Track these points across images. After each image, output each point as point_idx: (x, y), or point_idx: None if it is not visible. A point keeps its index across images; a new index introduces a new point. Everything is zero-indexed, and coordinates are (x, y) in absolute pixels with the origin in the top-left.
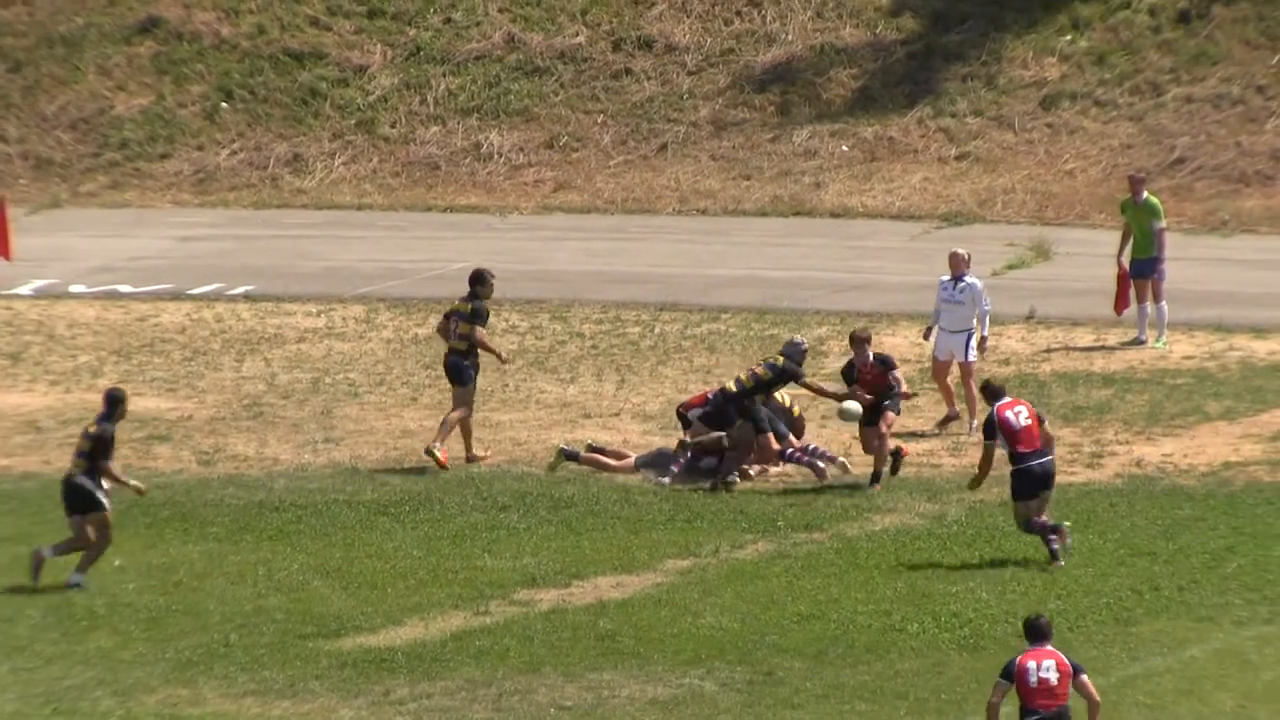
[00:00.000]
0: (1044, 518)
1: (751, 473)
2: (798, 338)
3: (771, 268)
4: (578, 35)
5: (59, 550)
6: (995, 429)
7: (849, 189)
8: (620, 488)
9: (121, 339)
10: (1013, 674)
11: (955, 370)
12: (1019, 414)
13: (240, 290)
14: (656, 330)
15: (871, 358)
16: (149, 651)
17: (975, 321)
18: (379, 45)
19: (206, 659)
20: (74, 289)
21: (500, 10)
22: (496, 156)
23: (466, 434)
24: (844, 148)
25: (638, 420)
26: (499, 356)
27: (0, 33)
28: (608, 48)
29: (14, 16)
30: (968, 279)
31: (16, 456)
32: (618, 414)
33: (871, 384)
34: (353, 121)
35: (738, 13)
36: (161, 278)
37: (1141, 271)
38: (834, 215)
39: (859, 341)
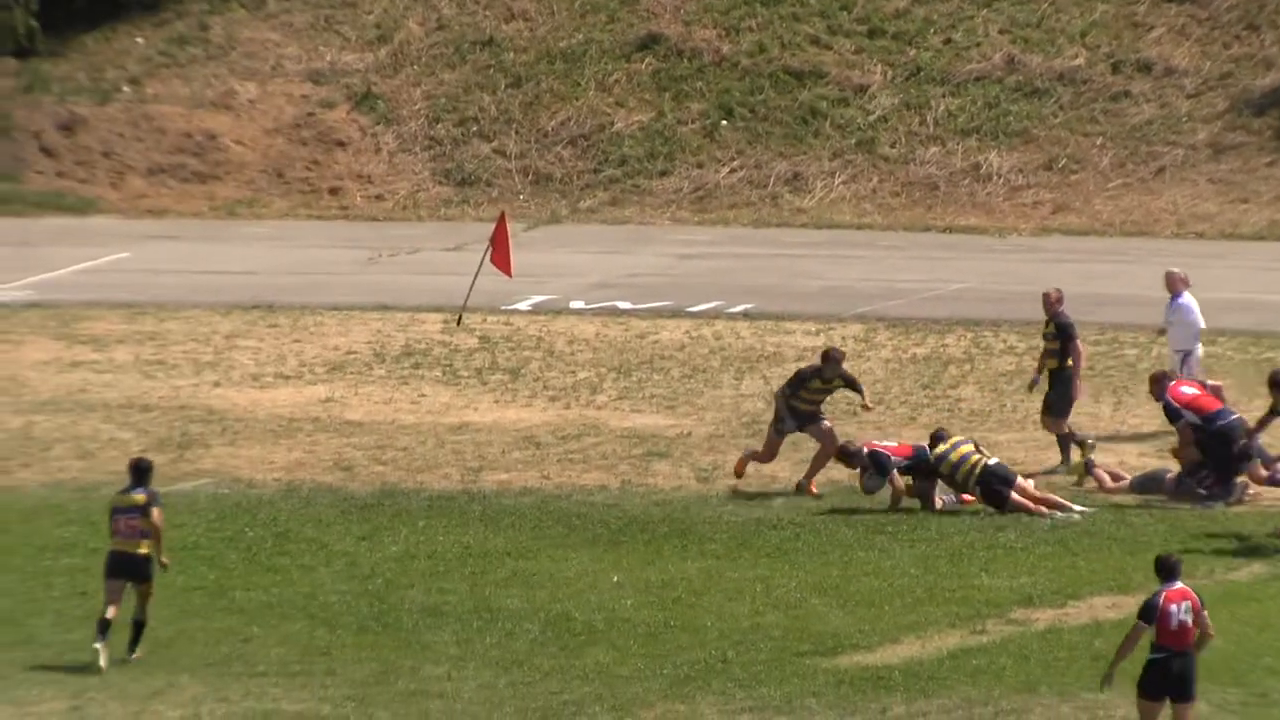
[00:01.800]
0: None
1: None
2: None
3: (1269, 291)
4: (1077, 57)
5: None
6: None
7: None
8: (1116, 508)
9: (621, 355)
10: (1154, 615)
11: None
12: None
13: (739, 308)
14: (1154, 353)
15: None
16: (646, 667)
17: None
18: (879, 65)
19: (704, 675)
20: (573, 305)
21: (1000, 31)
22: (995, 177)
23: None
24: None
25: (1134, 442)
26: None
27: (501, 48)
28: (1107, 70)
29: (515, 32)
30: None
31: (515, 471)
32: (1113, 436)
33: None
34: (853, 141)
35: (1236, 36)
36: (661, 294)
37: None
38: None
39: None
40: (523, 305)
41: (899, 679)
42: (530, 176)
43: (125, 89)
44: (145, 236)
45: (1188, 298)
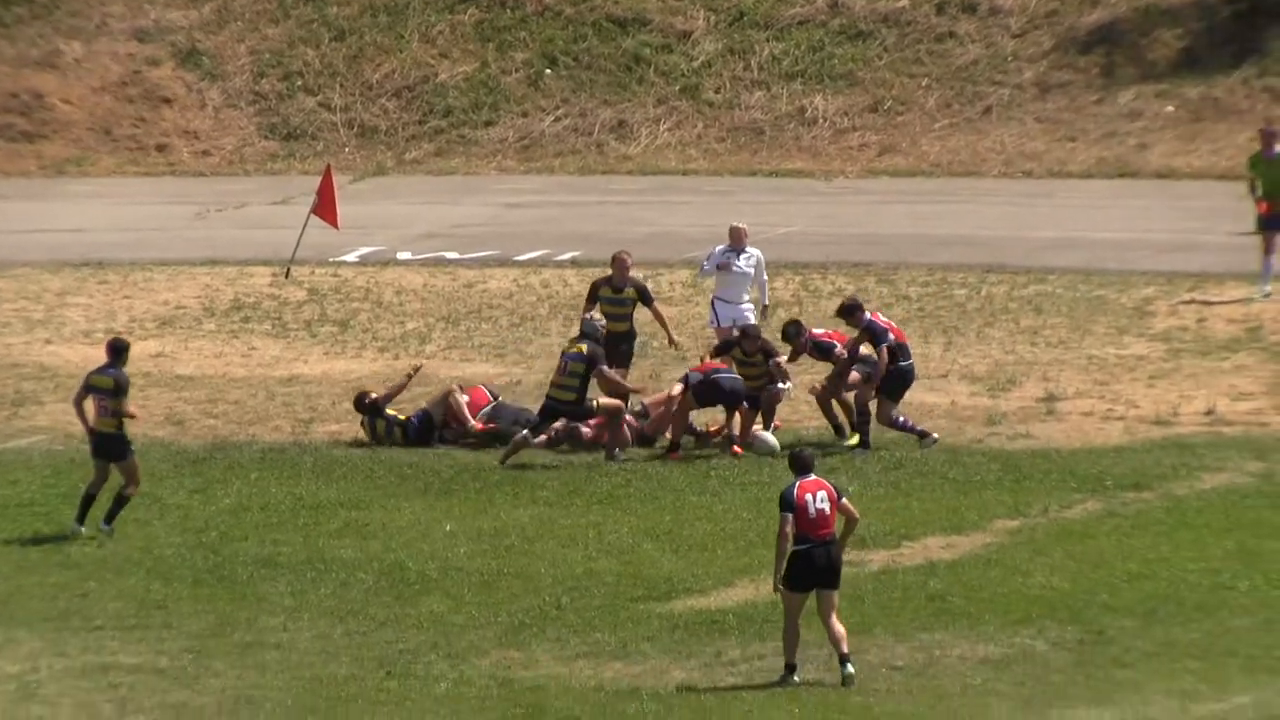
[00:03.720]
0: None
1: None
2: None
3: (1097, 229)
4: None
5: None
6: None
7: (1174, 150)
8: (950, 449)
9: (449, 305)
10: (792, 504)
11: None
12: None
13: (567, 256)
14: (983, 292)
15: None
16: (481, 615)
17: None
18: (702, 11)
19: (539, 622)
20: (401, 256)
21: None
22: (821, 121)
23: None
24: (1169, 109)
25: (965, 381)
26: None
27: (325, 2)
28: (931, 10)
29: None
30: None
31: (346, 423)
32: (945, 375)
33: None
34: (677, 87)
35: None
36: (488, 244)
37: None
38: (1159, 176)
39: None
40: (350, 257)
41: (733, 622)
42: (356, 129)
43: None
44: None
45: None
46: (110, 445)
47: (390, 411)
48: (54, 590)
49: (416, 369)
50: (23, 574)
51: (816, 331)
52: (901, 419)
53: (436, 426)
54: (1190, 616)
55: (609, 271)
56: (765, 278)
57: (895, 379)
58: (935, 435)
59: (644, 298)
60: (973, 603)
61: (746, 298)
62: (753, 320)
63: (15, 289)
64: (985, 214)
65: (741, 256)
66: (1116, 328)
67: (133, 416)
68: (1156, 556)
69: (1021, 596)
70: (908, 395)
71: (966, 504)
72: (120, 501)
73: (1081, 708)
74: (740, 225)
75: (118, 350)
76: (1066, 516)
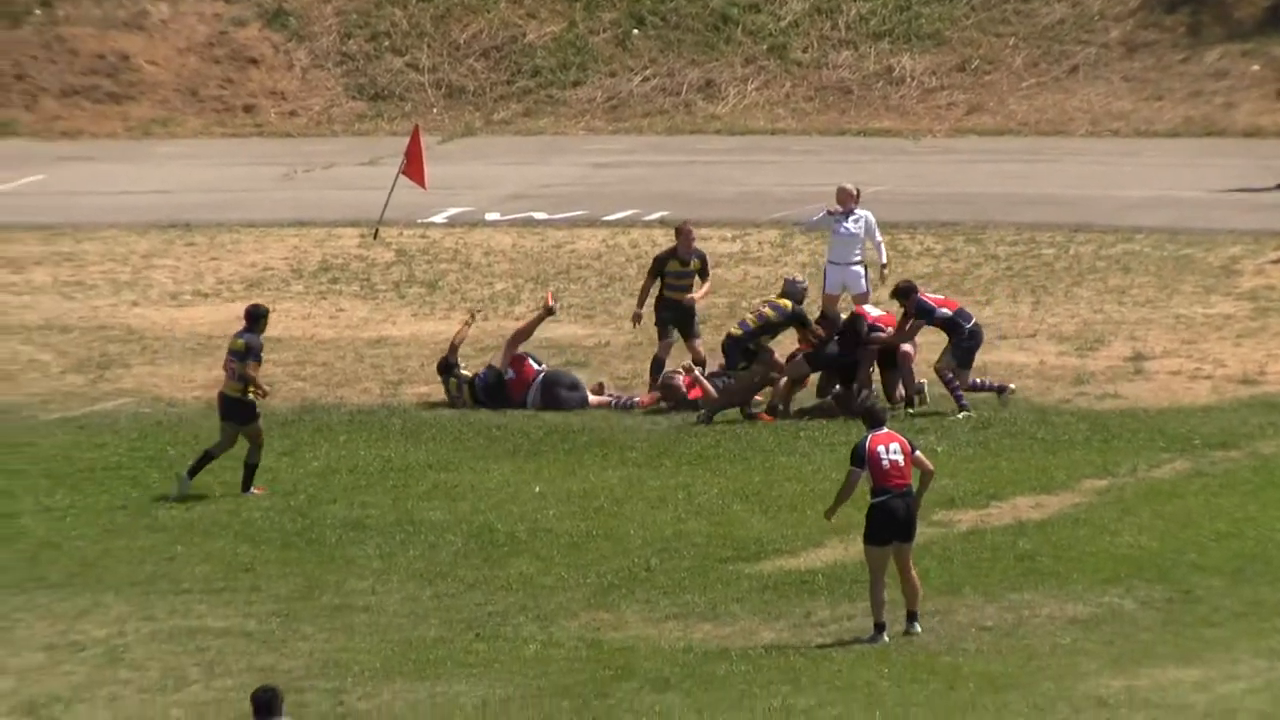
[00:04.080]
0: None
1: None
2: (798, 276)
3: (1184, 188)
4: None
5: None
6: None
7: (1261, 109)
8: (1038, 409)
9: (537, 266)
10: (864, 458)
11: None
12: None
13: (655, 216)
14: (1071, 251)
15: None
16: (570, 577)
17: None
18: None
19: (628, 583)
20: (489, 217)
21: None
22: (909, 80)
23: None
24: (1255, 67)
25: (1053, 341)
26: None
27: None
28: None
29: None
30: None
31: (434, 384)
32: (1033, 335)
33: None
34: (765, 47)
35: None
36: (576, 204)
37: None
38: (1246, 135)
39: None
40: (438, 218)
41: (823, 583)
42: (443, 90)
43: (37, 11)
44: (60, 158)
45: None
46: (235, 409)
47: (463, 372)
48: (141, 554)
49: (473, 315)
50: (110, 538)
51: (931, 296)
52: (953, 382)
53: (505, 382)
54: (1278, 575)
55: (674, 244)
56: (880, 238)
57: (960, 348)
58: (969, 410)
59: (704, 270)
60: (1061, 562)
61: (857, 258)
62: (864, 284)
63: (102, 251)
64: (1072, 173)
65: (850, 219)
66: (1203, 287)
67: (257, 386)
68: (1244, 516)
69: (1110, 556)
70: (992, 354)
71: (1055, 464)
72: (250, 469)
73: (1170, 667)
74: (848, 186)
75: (253, 316)
76: (1154, 476)
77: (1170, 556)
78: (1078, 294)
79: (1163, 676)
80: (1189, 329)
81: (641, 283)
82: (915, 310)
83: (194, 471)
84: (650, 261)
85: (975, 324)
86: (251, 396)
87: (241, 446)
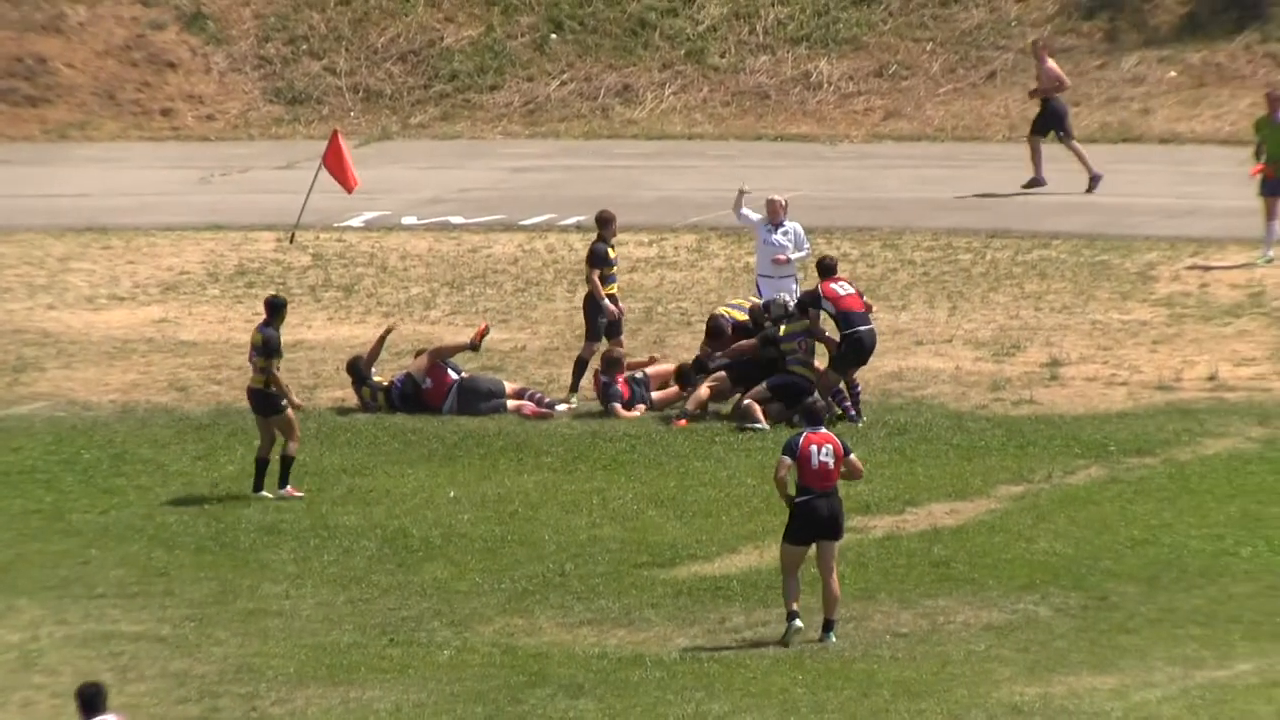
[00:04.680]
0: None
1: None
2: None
3: (1101, 194)
4: None
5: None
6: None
7: (1177, 115)
8: (954, 415)
9: (454, 270)
10: (795, 451)
11: None
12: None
13: (572, 220)
14: (988, 257)
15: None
16: (484, 582)
17: None
18: None
19: (542, 589)
20: (405, 221)
21: None
22: (826, 85)
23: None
24: (1172, 73)
25: (970, 347)
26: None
27: None
28: None
29: None
30: None
31: (349, 389)
32: (950, 340)
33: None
34: (682, 52)
35: None
36: (493, 209)
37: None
38: (1162, 141)
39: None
40: (355, 222)
41: (737, 589)
42: (361, 94)
43: None
44: None
45: None
46: (260, 401)
47: (376, 379)
48: (55, 558)
49: (390, 329)
50: (24, 542)
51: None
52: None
53: (422, 390)
54: (1193, 582)
55: (598, 233)
56: (808, 248)
57: (846, 349)
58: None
59: None
60: (976, 569)
61: (789, 271)
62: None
63: (18, 254)
64: (989, 178)
65: (779, 230)
66: (1120, 293)
67: (281, 390)
68: (1159, 522)
69: (1025, 562)
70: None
71: (970, 470)
72: (286, 462)
73: (1085, 674)
74: (777, 198)
75: (272, 307)
76: (1070, 482)
77: (1085, 563)
78: (994, 300)
79: (1078, 684)
80: (1105, 335)
81: (590, 284)
82: (808, 297)
83: (258, 486)
84: (588, 255)
85: (859, 331)
86: (274, 389)
87: (246, 448)
